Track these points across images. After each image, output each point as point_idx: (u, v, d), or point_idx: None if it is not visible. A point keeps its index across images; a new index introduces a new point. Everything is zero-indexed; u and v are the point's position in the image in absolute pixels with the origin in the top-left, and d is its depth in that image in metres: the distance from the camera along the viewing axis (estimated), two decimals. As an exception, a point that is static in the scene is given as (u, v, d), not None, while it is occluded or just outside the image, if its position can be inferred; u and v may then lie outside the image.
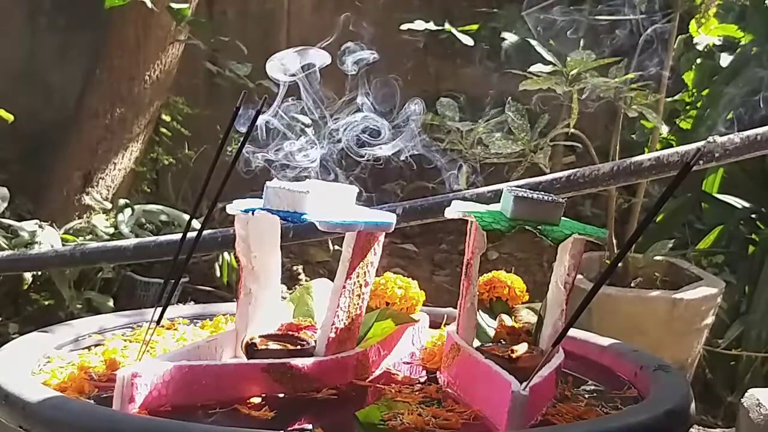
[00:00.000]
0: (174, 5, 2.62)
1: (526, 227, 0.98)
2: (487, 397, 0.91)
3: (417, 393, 0.99)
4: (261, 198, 0.97)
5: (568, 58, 2.08)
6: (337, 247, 3.08)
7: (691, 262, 2.64)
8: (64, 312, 2.58)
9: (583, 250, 1.02)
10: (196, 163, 3.22)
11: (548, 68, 2.11)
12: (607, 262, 2.45)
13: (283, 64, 1.02)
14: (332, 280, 1.02)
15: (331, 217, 0.96)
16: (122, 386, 0.85)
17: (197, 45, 2.96)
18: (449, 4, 3.59)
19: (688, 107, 2.98)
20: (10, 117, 2.36)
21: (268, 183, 0.96)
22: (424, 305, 1.18)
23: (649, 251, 2.54)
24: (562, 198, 1.00)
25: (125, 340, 1.14)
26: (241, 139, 0.96)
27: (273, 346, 0.98)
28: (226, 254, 2.82)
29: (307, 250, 3.25)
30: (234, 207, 0.99)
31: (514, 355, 0.95)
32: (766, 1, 2.74)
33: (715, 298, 2.34)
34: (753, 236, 2.87)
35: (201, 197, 0.98)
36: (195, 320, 1.23)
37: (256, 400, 0.93)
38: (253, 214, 0.97)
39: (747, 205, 2.88)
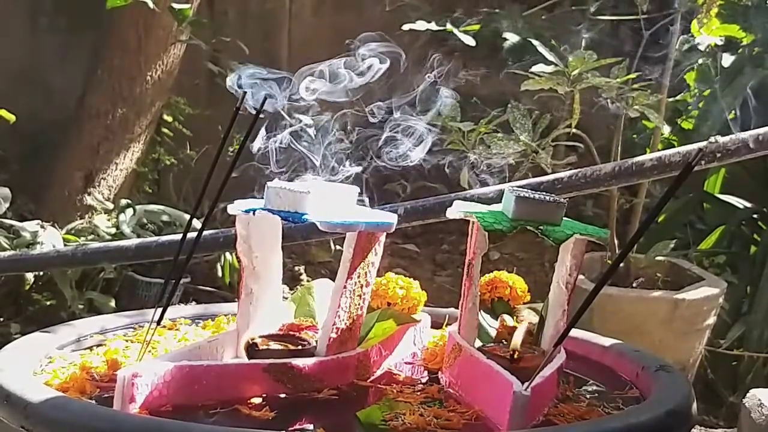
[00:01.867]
0: (175, 5, 2.62)
1: (528, 227, 0.97)
2: (488, 398, 0.91)
3: (418, 393, 0.99)
4: (262, 198, 0.97)
5: (570, 58, 2.07)
6: (338, 248, 3.08)
7: (692, 262, 2.63)
8: (65, 312, 2.58)
9: (585, 251, 1.02)
10: (197, 163, 3.22)
11: (550, 68, 2.10)
12: (609, 262, 2.44)
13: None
14: (334, 281, 1.02)
15: (331, 217, 0.96)
16: (123, 386, 0.85)
17: (198, 45, 2.96)
18: (451, 4, 3.59)
19: (689, 107, 2.98)
20: (11, 117, 2.36)
21: (268, 183, 0.96)
22: (425, 305, 1.18)
23: (650, 251, 2.54)
24: (564, 198, 1.00)
25: (127, 341, 1.14)
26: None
27: (274, 346, 0.98)
28: (228, 254, 2.82)
29: (308, 250, 3.25)
30: (235, 207, 0.99)
31: (515, 355, 0.95)
32: (767, 2, 2.74)
33: (716, 299, 2.34)
34: (755, 236, 2.87)
35: (201, 197, 0.98)
36: (197, 320, 1.23)
37: (257, 400, 0.93)
38: (254, 214, 0.97)
39: (749, 205, 2.88)
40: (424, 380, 1.05)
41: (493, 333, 1.09)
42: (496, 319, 1.11)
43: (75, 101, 3.07)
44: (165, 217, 2.87)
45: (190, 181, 3.27)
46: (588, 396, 1.02)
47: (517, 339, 0.97)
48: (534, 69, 2.10)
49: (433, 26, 2.79)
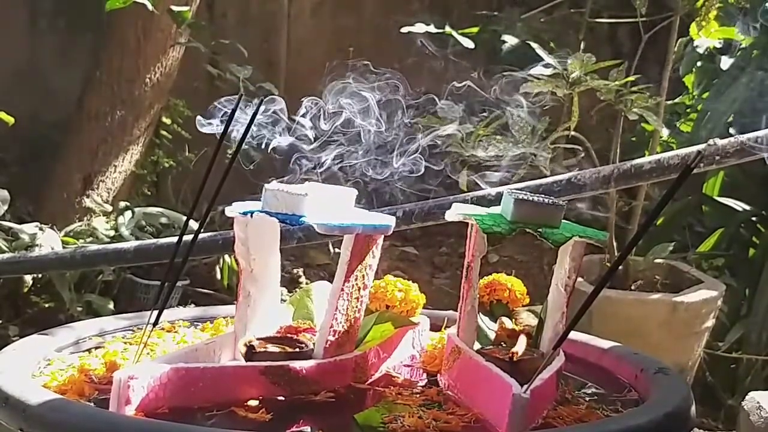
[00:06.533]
0: (174, 8, 2.62)
1: (527, 230, 0.97)
2: (487, 400, 0.91)
3: (417, 396, 0.99)
4: (260, 200, 0.97)
5: (569, 61, 2.07)
6: (337, 250, 3.08)
7: (691, 265, 2.63)
8: (64, 314, 2.58)
9: (584, 253, 1.02)
10: (196, 165, 3.22)
11: (549, 71, 2.10)
12: (608, 265, 2.44)
13: None
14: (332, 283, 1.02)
15: (329, 220, 0.95)
16: (119, 388, 0.85)
17: (198, 48, 2.96)
18: (450, 6, 3.59)
19: (688, 110, 2.98)
20: (10, 119, 2.36)
21: (266, 185, 0.96)
22: (424, 308, 1.18)
23: (649, 254, 2.54)
24: (563, 201, 1.00)
25: (125, 343, 1.13)
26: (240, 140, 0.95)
27: (271, 348, 0.98)
28: (226, 257, 2.82)
29: (307, 252, 3.25)
30: (233, 209, 0.98)
31: (514, 358, 0.95)
32: (766, 4, 2.74)
33: (715, 301, 2.34)
34: (754, 239, 2.87)
35: (198, 199, 0.98)
36: (195, 323, 1.23)
37: (254, 402, 0.93)
38: (251, 216, 0.97)
39: (747, 207, 2.88)
40: (422, 383, 1.05)
41: (492, 335, 1.09)
42: (495, 322, 1.11)
43: (74, 103, 3.07)
44: (164, 220, 2.87)
45: (188, 183, 3.27)
46: (587, 398, 1.02)
47: (519, 347, 0.97)
48: (533, 72, 2.10)
49: (431, 29, 2.79)
